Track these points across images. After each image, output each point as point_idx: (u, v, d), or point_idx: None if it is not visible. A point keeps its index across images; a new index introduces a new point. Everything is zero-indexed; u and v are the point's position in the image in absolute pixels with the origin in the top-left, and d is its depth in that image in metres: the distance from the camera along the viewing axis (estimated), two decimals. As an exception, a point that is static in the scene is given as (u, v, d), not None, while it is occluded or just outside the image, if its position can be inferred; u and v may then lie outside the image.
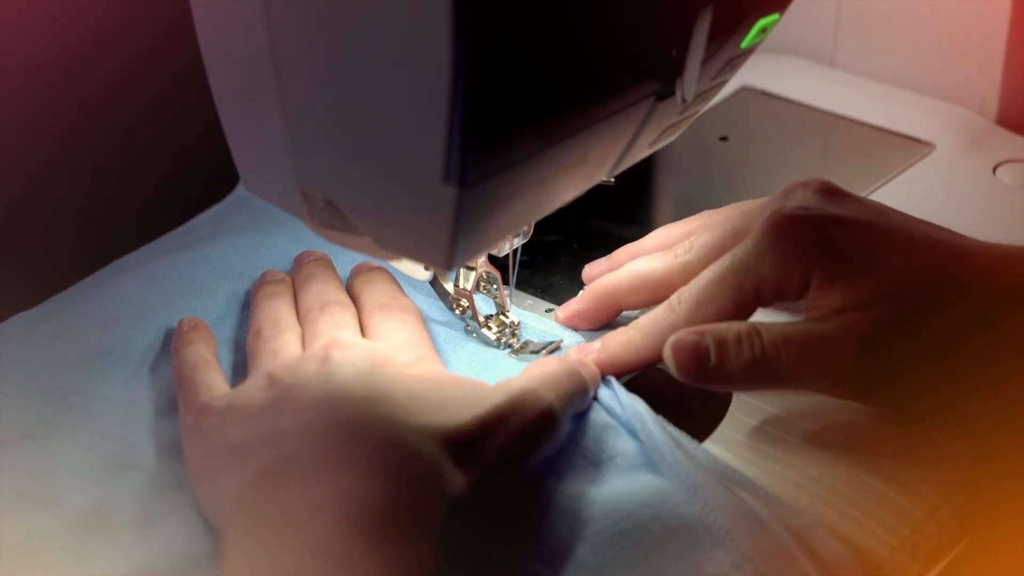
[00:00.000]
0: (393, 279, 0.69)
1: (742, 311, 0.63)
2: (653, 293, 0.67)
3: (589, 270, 0.72)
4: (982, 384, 0.61)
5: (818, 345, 0.60)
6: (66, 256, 0.86)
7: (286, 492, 0.53)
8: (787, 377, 0.61)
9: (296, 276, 0.70)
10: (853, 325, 0.60)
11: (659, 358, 0.64)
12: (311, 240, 0.72)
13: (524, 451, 0.58)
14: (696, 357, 0.61)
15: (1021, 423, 0.61)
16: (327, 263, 0.70)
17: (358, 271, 0.70)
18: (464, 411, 0.57)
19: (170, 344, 0.67)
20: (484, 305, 0.70)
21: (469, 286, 0.68)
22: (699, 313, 0.63)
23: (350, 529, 0.51)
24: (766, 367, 0.61)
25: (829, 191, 0.65)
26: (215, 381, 0.63)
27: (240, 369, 0.67)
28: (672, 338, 0.62)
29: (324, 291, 0.67)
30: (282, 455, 0.55)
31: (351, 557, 0.51)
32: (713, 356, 0.61)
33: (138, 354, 0.67)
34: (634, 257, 0.70)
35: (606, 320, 0.69)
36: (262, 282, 0.69)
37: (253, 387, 0.60)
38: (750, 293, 0.63)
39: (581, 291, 0.71)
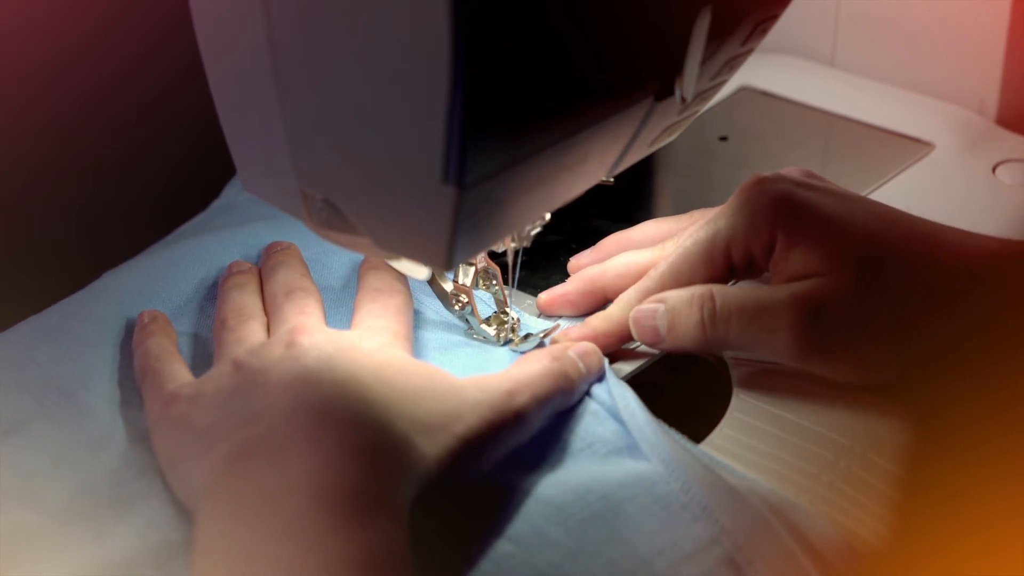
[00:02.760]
0: (395, 270, 0.69)
1: (715, 276, 0.65)
2: (638, 280, 0.68)
3: (575, 261, 0.72)
4: (947, 365, 0.61)
5: (768, 314, 0.62)
6: (66, 256, 0.87)
7: (257, 473, 0.54)
8: (735, 343, 0.63)
9: (263, 266, 0.70)
10: (807, 294, 0.61)
11: None
12: (292, 233, 0.72)
13: (489, 448, 0.58)
14: (652, 324, 0.64)
15: (988, 411, 0.62)
16: (294, 252, 0.71)
17: (367, 263, 0.70)
18: (431, 400, 0.57)
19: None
20: (483, 304, 0.70)
21: (468, 282, 0.68)
22: (674, 280, 0.65)
23: (322, 509, 0.52)
24: (715, 332, 0.63)
25: (809, 174, 0.67)
26: (179, 371, 0.63)
27: (204, 361, 0.67)
28: (635, 308, 0.64)
29: (290, 278, 0.67)
30: (251, 437, 0.55)
31: (324, 536, 0.51)
32: (666, 322, 0.63)
33: (114, 337, 0.67)
34: (621, 245, 0.71)
35: (590, 307, 0.70)
36: (228, 273, 0.70)
37: (219, 374, 0.60)
38: (721, 255, 0.64)
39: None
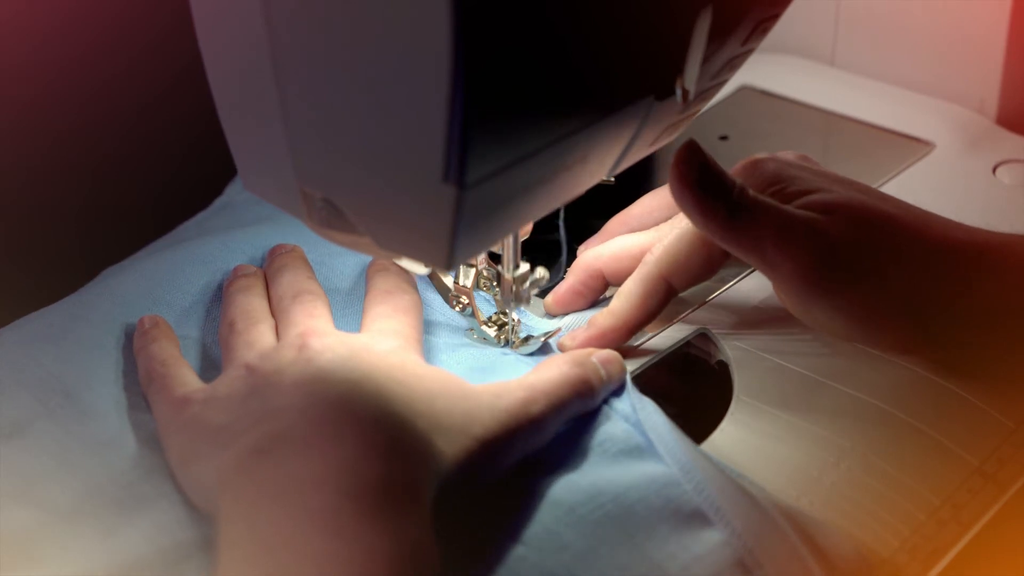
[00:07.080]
0: (404, 271, 0.69)
1: (711, 256, 0.65)
2: (633, 261, 0.68)
3: (582, 248, 0.73)
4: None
5: (783, 219, 0.62)
6: (66, 256, 0.87)
7: (280, 466, 0.54)
8: (749, 236, 0.62)
9: (268, 268, 0.70)
10: (816, 222, 0.62)
11: (643, 315, 0.66)
12: (296, 235, 0.72)
13: (505, 451, 0.58)
14: (700, 159, 0.62)
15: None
16: (299, 255, 0.70)
17: (375, 264, 0.70)
18: (447, 402, 0.57)
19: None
20: (484, 305, 0.70)
21: (469, 283, 0.68)
22: (670, 263, 0.66)
23: (349, 502, 0.52)
24: (741, 217, 0.62)
25: (804, 158, 0.68)
26: (187, 375, 0.63)
27: (210, 365, 0.67)
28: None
29: (296, 281, 0.67)
30: (271, 432, 0.55)
31: (353, 530, 0.51)
32: (710, 162, 0.62)
33: (117, 341, 0.67)
34: (624, 222, 0.72)
35: (594, 292, 0.71)
36: (233, 277, 0.69)
37: (231, 377, 0.60)
38: None
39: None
